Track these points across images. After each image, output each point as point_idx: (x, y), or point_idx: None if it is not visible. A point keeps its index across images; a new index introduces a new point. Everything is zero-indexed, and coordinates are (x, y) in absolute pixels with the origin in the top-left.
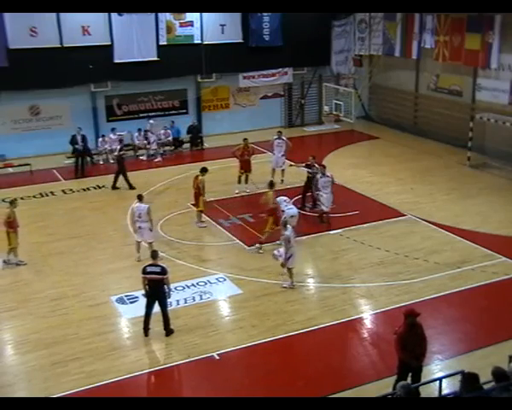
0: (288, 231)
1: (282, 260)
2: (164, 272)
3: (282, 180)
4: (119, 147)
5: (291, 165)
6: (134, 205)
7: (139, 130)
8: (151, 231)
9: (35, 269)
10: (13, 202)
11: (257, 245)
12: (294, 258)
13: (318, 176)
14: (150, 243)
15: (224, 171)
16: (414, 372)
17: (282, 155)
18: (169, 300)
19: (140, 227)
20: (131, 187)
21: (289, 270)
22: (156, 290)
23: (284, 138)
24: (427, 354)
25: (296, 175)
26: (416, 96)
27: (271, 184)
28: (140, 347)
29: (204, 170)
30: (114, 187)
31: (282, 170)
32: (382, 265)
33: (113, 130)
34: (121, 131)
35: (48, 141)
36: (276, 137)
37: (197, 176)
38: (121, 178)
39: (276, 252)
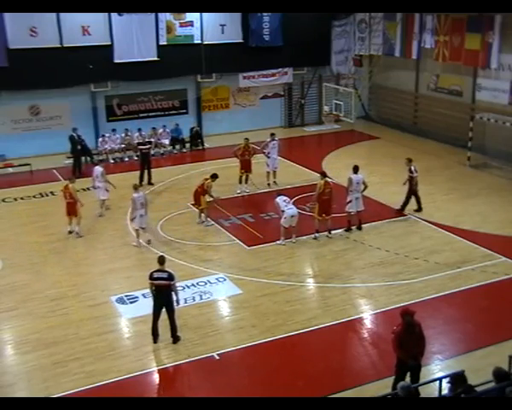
0: (136, 194)
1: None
2: (171, 277)
3: (275, 181)
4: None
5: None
6: (94, 168)
7: (139, 130)
8: (107, 191)
9: (35, 269)
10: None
11: (315, 234)
12: (139, 220)
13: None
14: (103, 201)
15: (225, 171)
16: (412, 371)
17: (278, 156)
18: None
19: (98, 187)
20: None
21: (136, 231)
22: (163, 296)
23: (277, 139)
24: (426, 354)
25: (294, 175)
26: (416, 96)
27: (323, 174)
28: (140, 347)
29: (214, 176)
30: (150, 183)
31: (275, 171)
32: (382, 265)
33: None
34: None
35: (48, 141)
36: (270, 139)
37: (206, 179)
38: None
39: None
